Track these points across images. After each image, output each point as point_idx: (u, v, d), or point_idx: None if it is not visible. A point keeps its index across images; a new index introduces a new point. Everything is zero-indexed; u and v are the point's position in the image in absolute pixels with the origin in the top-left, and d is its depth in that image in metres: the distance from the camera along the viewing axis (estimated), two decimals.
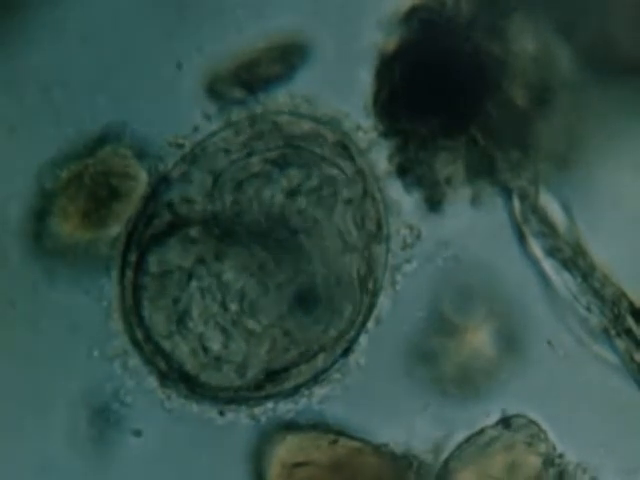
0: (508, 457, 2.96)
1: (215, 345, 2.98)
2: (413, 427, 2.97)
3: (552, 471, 2.96)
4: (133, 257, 3.03)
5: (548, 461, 2.96)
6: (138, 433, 2.99)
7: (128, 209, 3.04)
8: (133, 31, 3.06)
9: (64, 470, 3.01)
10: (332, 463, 2.96)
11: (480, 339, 3.01)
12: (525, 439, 2.97)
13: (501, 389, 3.00)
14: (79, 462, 3.00)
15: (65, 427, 3.00)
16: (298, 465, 2.97)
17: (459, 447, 2.97)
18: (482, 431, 2.98)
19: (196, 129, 3.03)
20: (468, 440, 2.97)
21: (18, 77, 3.05)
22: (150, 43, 3.05)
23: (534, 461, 2.96)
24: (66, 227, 3.04)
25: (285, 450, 2.98)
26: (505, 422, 2.98)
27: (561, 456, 2.96)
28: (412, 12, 3.00)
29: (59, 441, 3.00)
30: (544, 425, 2.97)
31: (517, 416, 2.97)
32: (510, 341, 3.01)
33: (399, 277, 3.02)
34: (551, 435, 2.97)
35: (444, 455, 2.97)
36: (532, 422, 2.97)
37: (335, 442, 2.97)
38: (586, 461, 2.96)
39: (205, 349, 2.98)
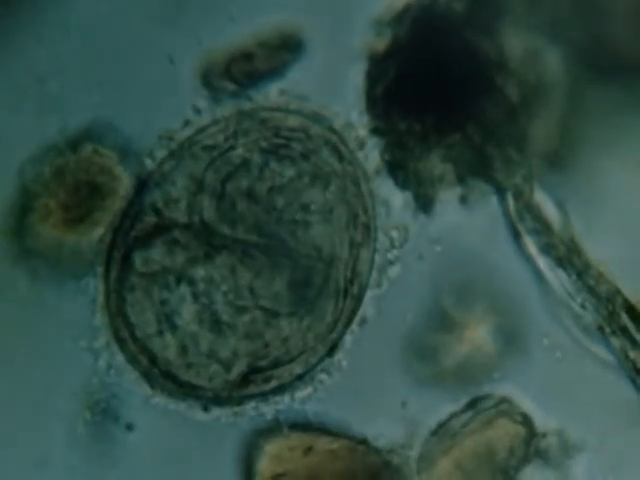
0: (483, 437, 2.97)
1: (203, 343, 2.96)
2: (392, 423, 2.97)
3: (532, 439, 2.98)
4: (118, 254, 2.99)
5: (526, 428, 2.97)
6: (130, 427, 2.97)
7: (112, 206, 3.01)
8: (129, 24, 3.05)
9: (55, 465, 2.98)
10: (307, 473, 2.96)
11: (477, 335, 3.01)
12: (498, 415, 2.97)
13: (497, 385, 3.00)
14: (70, 457, 2.97)
15: (52, 423, 2.97)
16: (277, 477, 2.97)
17: (432, 437, 2.97)
18: (452, 417, 2.98)
19: (187, 123, 3.01)
20: (439, 428, 2.98)
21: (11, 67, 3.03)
22: (146, 36, 3.04)
23: (511, 431, 2.97)
24: (48, 224, 2.99)
25: (265, 462, 2.98)
26: (473, 404, 2.98)
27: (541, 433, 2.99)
28: (405, 10, 3.00)
29: (48, 438, 2.98)
30: (536, 421, 2.99)
31: (485, 396, 2.98)
32: (506, 338, 3.01)
33: (385, 278, 3.02)
34: (544, 429, 2.99)
35: (420, 448, 2.98)
36: (502, 399, 2.98)
37: (310, 449, 2.96)
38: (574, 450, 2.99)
39: (192, 347, 2.96)
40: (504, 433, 2.96)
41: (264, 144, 3.02)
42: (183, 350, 2.96)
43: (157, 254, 2.97)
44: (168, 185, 3.00)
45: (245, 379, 2.98)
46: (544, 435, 2.98)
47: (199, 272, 2.96)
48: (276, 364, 2.98)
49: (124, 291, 2.97)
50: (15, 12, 3.02)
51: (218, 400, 2.98)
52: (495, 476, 2.96)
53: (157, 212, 2.99)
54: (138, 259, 2.98)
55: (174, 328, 2.96)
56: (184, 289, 2.96)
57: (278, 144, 3.01)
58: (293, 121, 3.03)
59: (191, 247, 2.97)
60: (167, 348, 2.97)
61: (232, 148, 3.01)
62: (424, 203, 3.01)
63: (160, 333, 2.97)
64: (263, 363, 2.97)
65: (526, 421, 2.97)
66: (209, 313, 2.96)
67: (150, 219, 2.99)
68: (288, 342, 2.98)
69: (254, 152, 3.01)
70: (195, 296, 2.96)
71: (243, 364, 2.97)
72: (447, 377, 2.99)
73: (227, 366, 2.97)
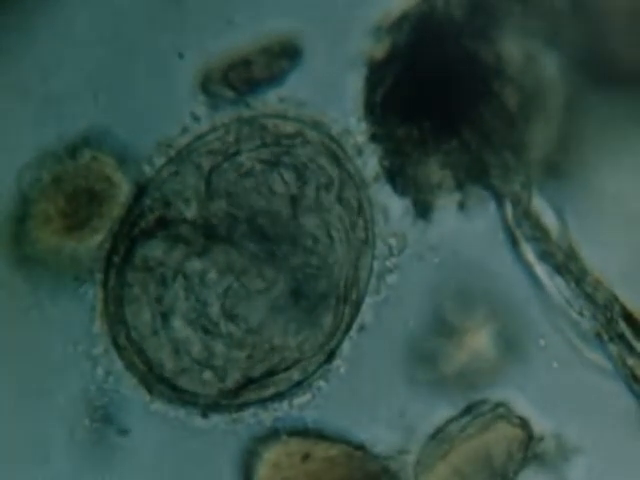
0: (481, 441, 2.96)
1: (195, 348, 2.96)
2: (390, 429, 2.98)
3: (530, 442, 2.98)
4: (117, 259, 2.99)
5: (524, 431, 2.97)
6: (124, 432, 2.97)
7: (111, 213, 3.01)
8: (127, 31, 3.05)
9: (55, 471, 2.98)
10: None
11: (477, 341, 3.01)
12: (495, 419, 2.97)
13: (495, 389, 3.01)
14: (70, 464, 2.98)
15: (52, 430, 2.98)
16: None
17: (430, 442, 2.97)
18: (450, 422, 2.98)
19: (185, 130, 3.01)
20: (437, 433, 2.97)
21: (9, 74, 3.03)
22: (144, 43, 3.05)
23: (509, 435, 2.97)
24: (46, 231, 2.99)
25: (264, 469, 2.98)
26: (470, 409, 2.98)
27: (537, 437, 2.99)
28: (404, 17, 3.00)
29: (48, 444, 2.98)
30: (534, 425, 2.99)
31: (483, 401, 2.98)
32: (505, 344, 3.01)
33: (384, 285, 3.02)
34: (541, 433, 2.99)
35: (418, 453, 2.98)
36: (500, 403, 2.98)
37: (307, 457, 2.97)
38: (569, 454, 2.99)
39: (186, 352, 2.96)
40: (502, 437, 2.97)
41: (266, 152, 3.02)
42: (176, 353, 2.97)
43: (157, 250, 2.97)
44: (175, 185, 3.01)
45: (241, 388, 2.98)
46: (542, 438, 2.98)
47: (195, 269, 2.96)
48: (272, 372, 2.99)
49: (122, 289, 2.98)
50: (13, 18, 3.02)
51: (217, 407, 2.98)
52: None
53: (159, 210, 2.99)
54: (138, 254, 2.98)
55: (168, 329, 2.96)
56: (179, 287, 2.97)
57: (278, 151, 3.02)
58: (292, 128, 3.03)
59: (190, 246, 2.97)
60: (161, 349, 2.97)
61: (235, 154, 3.02)
62: (422, 209, 3.00)
63: (155, 333, 2.97)
64: (259, 372, 2.98)
65: (524, 425, 2.97)
66: (201, 318, 2.96)
67: (152, 216, 2.99)
68: (285, 350, 2.98)
69: (257, 160, 3.01)
70: (188, 297, 2.96)
71: (238, 373, 2.97)
72: (446, 383, 3.00)
73: (221, 374, 2.97)
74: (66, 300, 2.97)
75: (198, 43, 3.01)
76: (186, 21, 3.03)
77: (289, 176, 3.00)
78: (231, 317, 2.96)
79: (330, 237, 2.99)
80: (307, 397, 3.00)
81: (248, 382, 2.97)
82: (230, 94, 3.02)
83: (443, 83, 2.95)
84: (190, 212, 2.98)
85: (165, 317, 2.97)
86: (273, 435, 2.98)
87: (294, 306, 2.96)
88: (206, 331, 2.96)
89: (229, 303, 2.96)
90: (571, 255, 3.00)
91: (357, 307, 3.00)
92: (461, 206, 3.00)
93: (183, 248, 2.97)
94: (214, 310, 2.96)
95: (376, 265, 3.01)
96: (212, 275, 2.97)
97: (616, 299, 2.99)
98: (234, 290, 2.96)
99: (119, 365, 2.98)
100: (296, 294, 2.96)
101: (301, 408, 2.99)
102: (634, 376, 2.96)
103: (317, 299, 2.97)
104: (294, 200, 2.99)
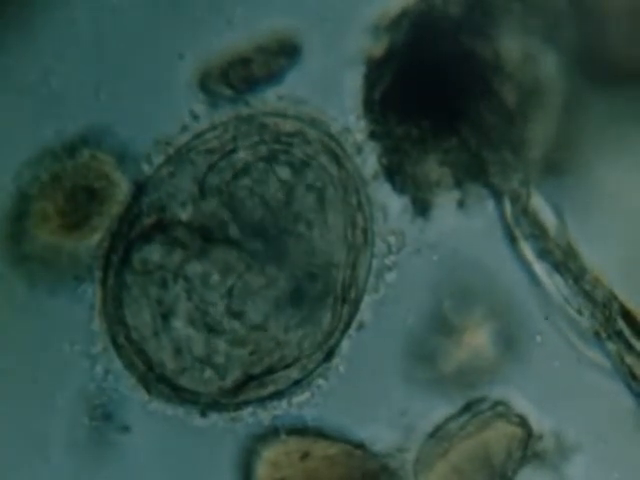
0: (480, 439, 2.97)
1: (197, 347, 2.96)
2: (389, 427, 2.98)
3: (529, 441, 2.98)
4: (116, 258, 2.99)
5: (523, 430, 2.98)
6: (126, 429, 2.98)
7: (110, 212, 3.01)
8: (126, 29, 3.05)
9: (54, 470, 2.99)
10: (305, 478, 2.97)
11: (475, 339, 3.02)
12: (494, 417, 2.98)
13: (494, 387, 3.01)
14: (69, 462, 2.99)
15: (51, 428, 2.98)
16: None
17: (429, 441, 2.98)
18: (449, 420, 2.98)
19: (185, 128, 3.01)
20: (436, 431, 2.98)
21: (7, 72, 3.03)
22: (143, 41, 3.05)
23: (508, 433, 2.97)
24: (45, 230, 2.99)
25: (263, 468, 2.98)
26: (470, 407, 2.99)
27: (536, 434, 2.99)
28: (403, 15, 3.00)
29: (47, 443, 2.98)
30: (533, 423, 2.99)
31: (482, 399, 2.99)
32: (504, 342, 3.02)
33: (382, 283, 3.02)
34: (541, 431, 3.00)
35: (417, 451, 2.98)
36: (499, 401, 2.98)
37: (306, 456, 2.97)
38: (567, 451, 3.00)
39: (188, 351, 2.96)
40: (501, 435, 2.97)
41: (263, 149, 3.02)
42: (177, 353, 2.97)
43: (156, 253, 2.97)
44: (171, 186, 3.00)
45: (241, 386, 2.98)
46: (541, 437, 2.99)
47: (195, 272, 2.96)
48: (271, 370, 2.99)
49: (122, 291, 2.97)
50: (11, 16, 3.02)
51: (216, 405, 2.98)
52: (492, 478, 2.97)
53: (157, 212, 2.99)
54: (136, 257, 2.97)
55: (169, 330, 2.96)
56: (180, 288, 2.96)
57: (278, 150, 3.02)
58: (290, 126, 3.03)
59: (189, 247, 2.97)
60: (162, 350, 2.97)
61: (232, 152, 3.02)
62: (421, 207, 3.01)
63: (155, 334, 2.97)
64: (258, 370, 2.98)
65: (523, 423, 2.98)
66: (203, 317, 2.96)
67: (150, 219, 2.99)
68: (284, 348, 2.98)
69: (255, 157, 3.01)
70: (190, 297, 2.96)
71: (238, 371, 2.97)
72: (446, 381, 3.00)
73: (222, 372, 2.97)
74: (65, 298, 2.97)
75: (197, 42, 3.01)
76: (185, 20, 3.03)
77: (287, 173, 3.00)
78: (235, 314, 2.96)
79: (328, 235, 3.00)
80: (306, 395, 3.00)
81: (248, 380, 2.97)
82: (229, 92, 3.03)
83: (442, 81, 2.95)
84: (186, 214, 2.99)
85: (166, 318, 2.97)
86: (272, 434, 2.98)
87: (294, 302, 2.97)
88: (209, 329, 2.96)
89: (232, 301, 2.96)
90: (570, 253, 3.01)
91: (356, 305, 3.01)
92: (460, 204, 3.01)
93: (181, 251, 2.97)
94: (217, 309, 2.96)
95: (375, 263, 3.02)
96: (214, 276, 2.96)
97: (615, 297, 3.00)
98: (237, 288, 2.96)
99: (118, 364, 2.98)
100: (296, 291, 2.96)
101: (300, 406, 3.00)
102: (632, 374, 2.97)
103: (316, 296, 2.97)
104: (291, 197, 2.99)
